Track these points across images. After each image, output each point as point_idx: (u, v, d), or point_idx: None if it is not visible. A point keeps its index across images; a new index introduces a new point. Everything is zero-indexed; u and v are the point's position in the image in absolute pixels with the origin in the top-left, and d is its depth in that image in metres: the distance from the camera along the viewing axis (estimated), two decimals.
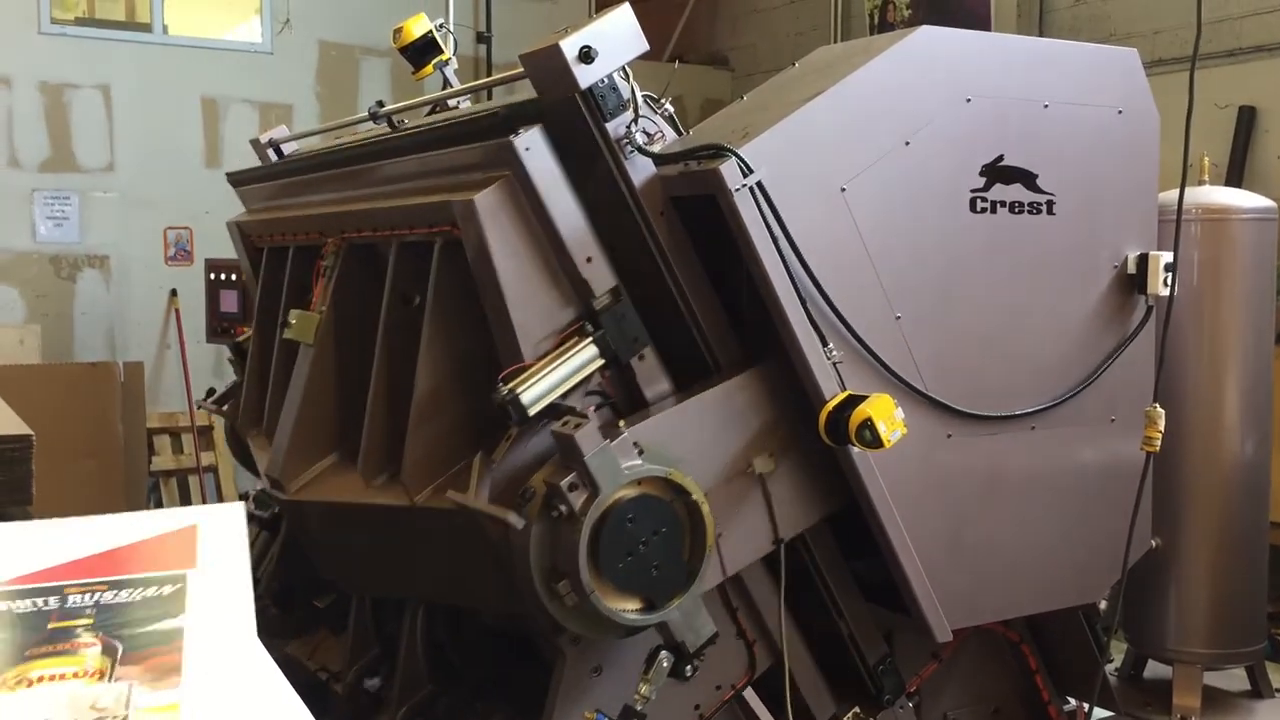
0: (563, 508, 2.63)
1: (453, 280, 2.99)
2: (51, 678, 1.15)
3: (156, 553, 1.39)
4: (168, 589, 1.30)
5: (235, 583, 1.31)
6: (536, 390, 2.72)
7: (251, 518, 4.14)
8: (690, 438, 2.85)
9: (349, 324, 3.45)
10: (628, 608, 2.73)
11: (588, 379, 2.83)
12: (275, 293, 3.91)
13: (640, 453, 2.72)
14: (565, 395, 2.77)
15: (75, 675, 1.16)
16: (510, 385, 2.71)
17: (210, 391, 4.53)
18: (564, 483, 2.62)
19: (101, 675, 1.16)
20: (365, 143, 3.70)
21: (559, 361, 2.77)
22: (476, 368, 2.96)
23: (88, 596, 1.29)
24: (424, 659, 3.48)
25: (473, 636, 3.56)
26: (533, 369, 2.75)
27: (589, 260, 2.85)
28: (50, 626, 1.23)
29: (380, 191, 3.38)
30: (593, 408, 2.84)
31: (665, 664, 2.85)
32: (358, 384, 3.33)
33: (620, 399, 2.95)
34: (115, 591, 1.30)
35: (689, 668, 2.87)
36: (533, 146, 2.79)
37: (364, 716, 3.61)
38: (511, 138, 2.78)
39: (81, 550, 1.38)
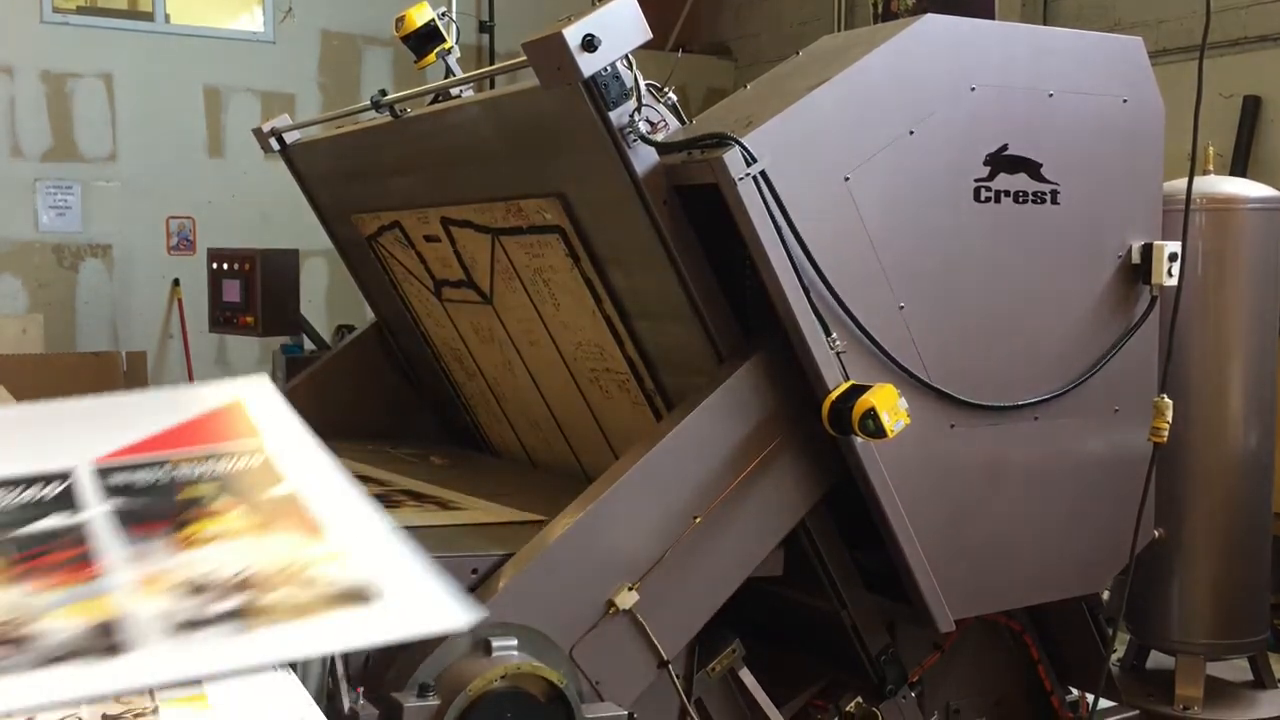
0: None
1: None
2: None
3: (217, 427, 1.37)
4: (257, 458, 1.30)
5: (308, 445, 1.31)
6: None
7: None
8: (530, 604, 2.68)
9: None
10: None
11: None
12: None
13: (431, 689, 2.53)
14: (332, 673, 2.56)
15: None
16: None
17: None
18: None
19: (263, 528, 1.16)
20: None
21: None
22: None
23: (195, 467, 1.28)
24: None
25: None
26: None
27: None
28: (183, 496, 1.23)
29: None
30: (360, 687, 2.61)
31: None
32: None
33: None
34: (215, 460, 1.29)
35: None
36: None
37: None
38: None
39: (136, 428, 1.35)
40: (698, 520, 2.88)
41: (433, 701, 2.52)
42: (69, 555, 1.10)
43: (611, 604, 2.76)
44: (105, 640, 0.98)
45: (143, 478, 1.25)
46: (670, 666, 2.87)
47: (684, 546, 2.86)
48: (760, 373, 2.97)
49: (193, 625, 1.01)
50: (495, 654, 2.61)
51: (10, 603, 1.03)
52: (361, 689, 2.60)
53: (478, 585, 2.72)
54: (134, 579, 1.07)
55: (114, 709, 1.10)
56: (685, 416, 2.91)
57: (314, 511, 1.19)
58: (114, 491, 1.22)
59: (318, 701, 2.47)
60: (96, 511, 1.17)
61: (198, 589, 1.06)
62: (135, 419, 1.36)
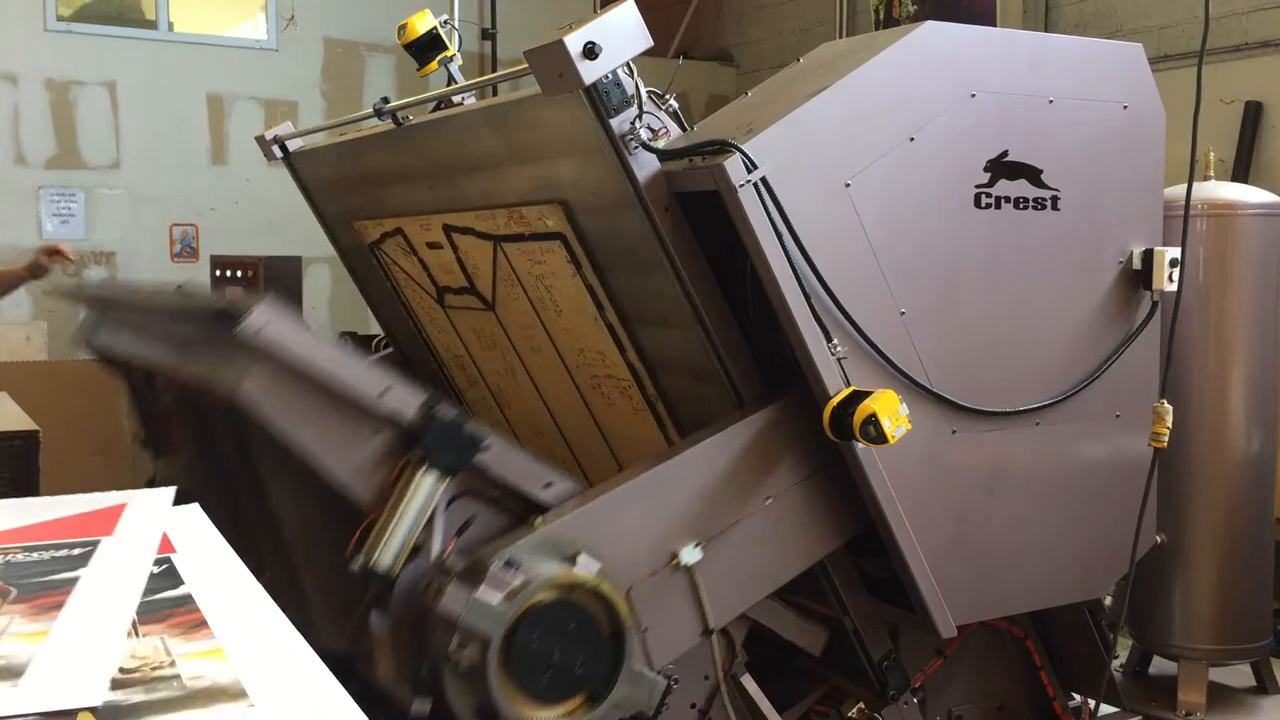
0: (462, 667, 2.57)
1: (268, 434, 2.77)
2: None
3: (79, 525, 1.53)
4: (78, 550, 1.42)
5: (141, 548, 1.42)
6: (391, 550, 2.64)
7: None
8: (603, 531, 2.77)
9: (211, 466, 3.23)
10: (572, 708, 2.66)
11: (438, 504, 2.71)
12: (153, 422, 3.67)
13: (517, 567, 2.63)
14: (429, 524, 2.69)
15: None
16: (365, 553, 2.63)
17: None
18: (452, 650, 2.55)
19: None
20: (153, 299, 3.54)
21: (403, 506, 2.66)
22: (339, 498, 2.78)
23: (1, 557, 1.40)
24: None
25: None
26: (380, 525, 2.66)
27: (384, 392, 2.69)
28: None
29: (171, 351, 3.17)
30: (454, 536, 2.72)
31: None
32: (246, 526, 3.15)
33: (488, 489, 2.85)
34: (29, 553, 1.42)
35: None
36: (266, 323, 2.59)
37: None
38: (239, 329, 2.58)
39: (11, 524, 1.53)
40: (769, 501, 2.95)
41: (516, 581, 2.60)
42: None
43: (675, 555, 2.84)
44: None
45: None
46: (714, 636, 2.93)
47: (754, 520, 2.93)
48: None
49: None
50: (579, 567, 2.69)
51: None
52: (454, 540, 2.72)
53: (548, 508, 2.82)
54: None
55: (130, 663, 1.11)
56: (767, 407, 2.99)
57: (76, 597, 1.26)
58: None
59: (405, 556, 2.67)
60: None
61: None
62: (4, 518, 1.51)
